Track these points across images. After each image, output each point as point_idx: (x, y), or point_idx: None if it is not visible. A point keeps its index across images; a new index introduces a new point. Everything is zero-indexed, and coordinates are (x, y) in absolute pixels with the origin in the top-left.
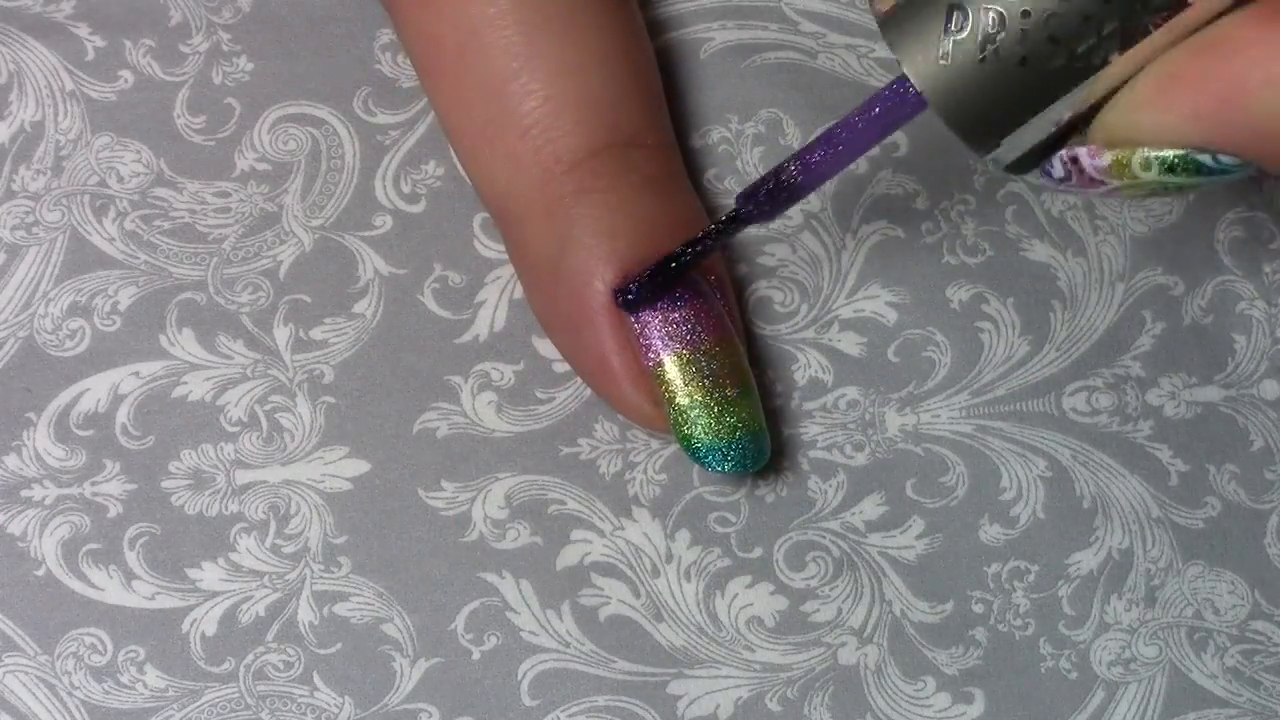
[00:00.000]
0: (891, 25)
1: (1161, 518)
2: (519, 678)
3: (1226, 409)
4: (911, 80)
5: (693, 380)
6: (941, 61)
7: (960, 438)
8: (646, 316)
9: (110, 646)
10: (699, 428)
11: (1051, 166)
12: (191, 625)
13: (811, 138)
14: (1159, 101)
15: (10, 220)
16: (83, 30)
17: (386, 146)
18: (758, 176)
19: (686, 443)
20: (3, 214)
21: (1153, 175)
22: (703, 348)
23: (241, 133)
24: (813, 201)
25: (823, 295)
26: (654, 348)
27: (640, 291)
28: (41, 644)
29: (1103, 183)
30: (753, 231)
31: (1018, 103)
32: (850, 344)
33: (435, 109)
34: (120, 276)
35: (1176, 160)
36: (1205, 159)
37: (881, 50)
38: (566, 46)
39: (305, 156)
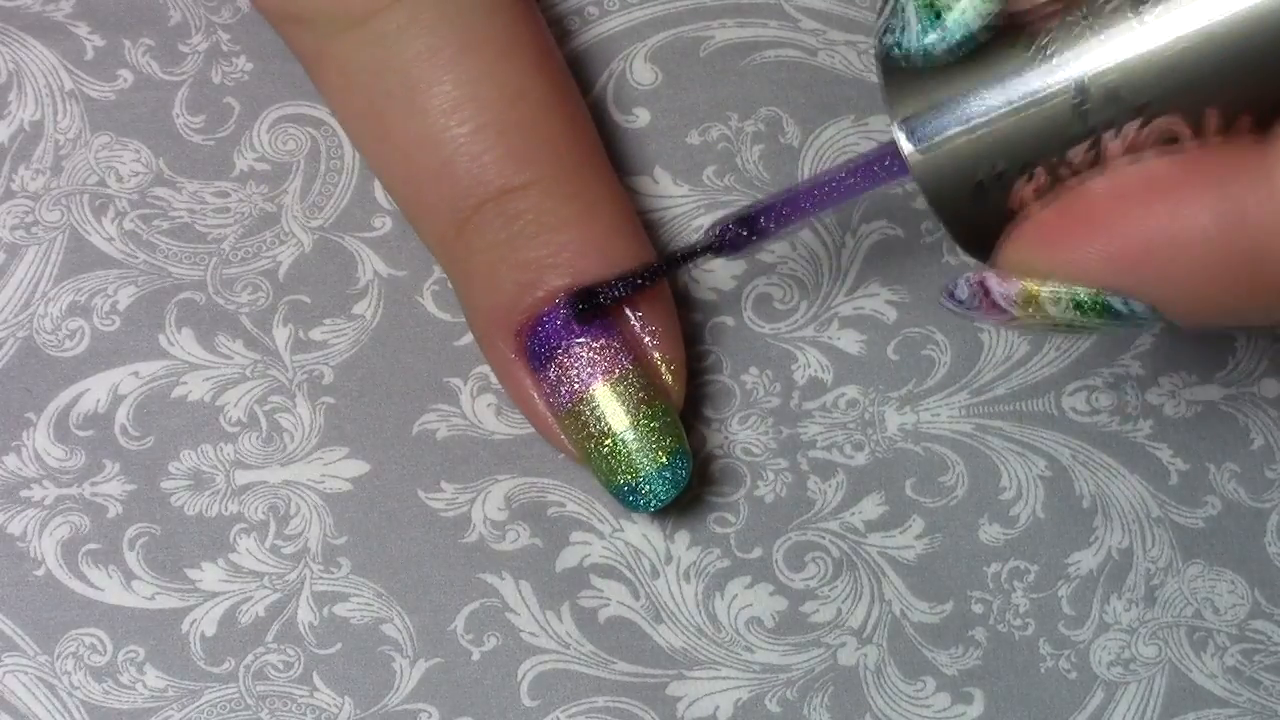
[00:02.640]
0: (898, 104)
1: (1161, 517)
2: (519, 678)
3: (1227, 407)
4: (908, 164)
5: (620, 407)
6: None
7: (960, 437)
8: (553, 358)
9: (110, 646)
10: (635, 455)
11: (956, 288)
12: (191, 625)
13: (788, 188)
14: (1078, 236)
15: (10, 220)
16: (82, 30)
17: None
18: (757, 175)
19: (609, 483)
20: (2, 214)
21: (1059, 311)
22: (613, 379)
23: (241, 132)
24: None
25: (822, 293)
26: (567, 388)
27: (586, 310)
28: (41, 644)
29: (1007, 312)
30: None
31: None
32: (850, 342)
33: None
34: (119, 276)
35: (1087, 299)
36: (1116, 302)
37: None
38: (413, 117)
39: (304, 157)
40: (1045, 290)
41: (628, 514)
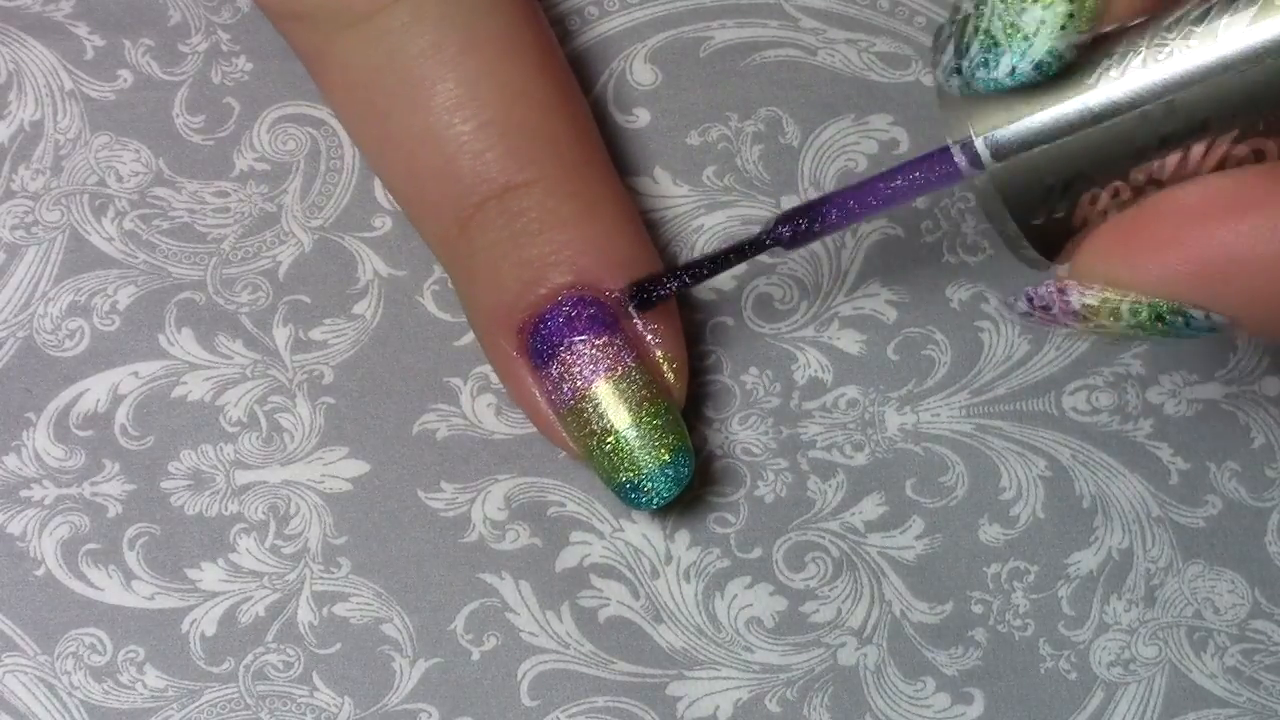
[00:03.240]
0: (976, 112)
1: (1161, 517)
2: (518, 678)
3: (1228, 406)
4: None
5: (605, 414)
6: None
7: (960, 437)
8: (555, 356)
9: (110, 646)
10: (638, 452)
11: (1034, 295)
12: (191, 625)
13: (851, 183)
14: (1165, 249)
15: (9, 220)
16: (82, 30)
17: None
18: (757, 175)
19: (610, 481)
20: (2, 213)
21: (1139, 321)
22: (615, 377)
23: (241, 132)
24: None
25: (823, 293)
26: (569, 386)
27: (650, 299)
28: (41, 644)
29: (1081, 318)
30: (753, 228)
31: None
32: (850, 342)
33: None
34: (119, 276)
35: (1168, 312)
36: (1197, 316)
37: (881, 45)
38: (415, 114)
39: (304, 156)
40: (1126, 302)
41: (628, 514)
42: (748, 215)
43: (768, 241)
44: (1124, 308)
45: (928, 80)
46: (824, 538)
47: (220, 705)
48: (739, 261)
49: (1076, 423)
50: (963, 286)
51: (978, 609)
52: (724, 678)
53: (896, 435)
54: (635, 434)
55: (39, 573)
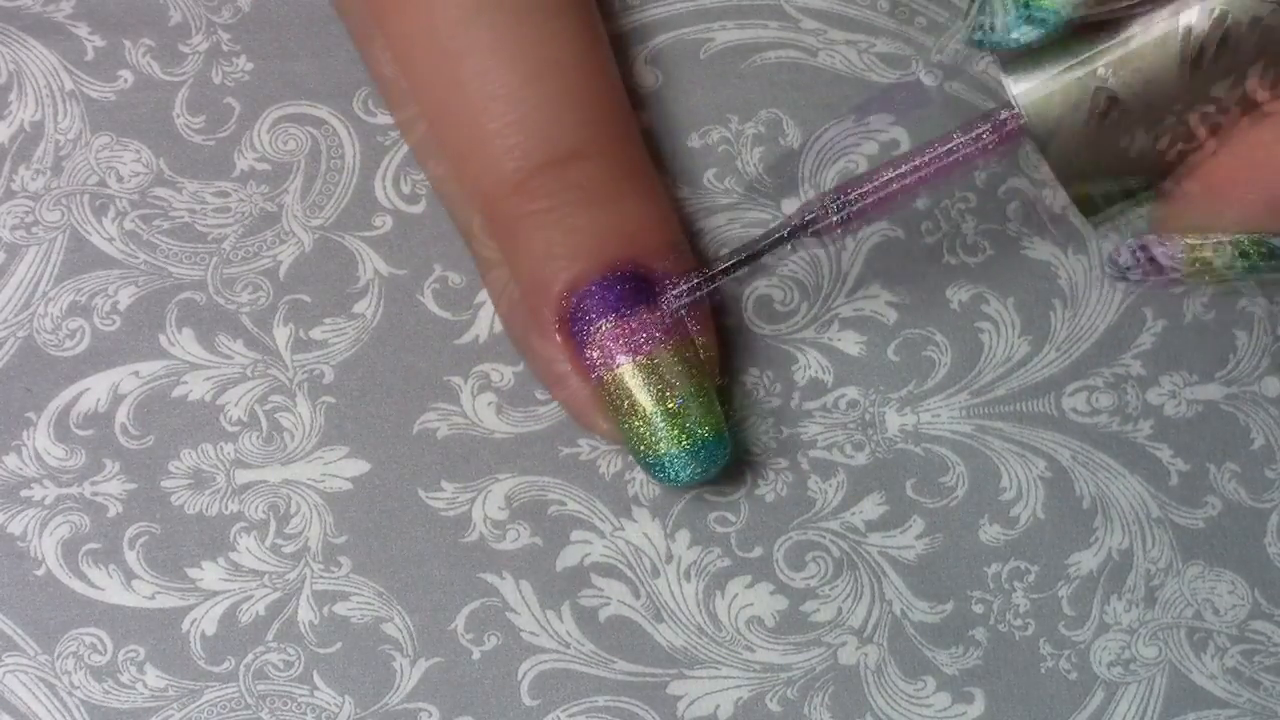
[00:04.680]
0: (1012, 65)
1: (1161, 518)
2: (519, 678)
3: (1228, 407)
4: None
5: (648, 388)
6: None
7: (960, 438)
8: (598, 328)
9: (110, 646)
10: (658, 436)
11: (1120, 255)
12: (191, 625)
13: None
14: (1240, 184)
15: (10, 220)
16: (82, 30)
17: (386, 147)
18: (758, 177)
19: (645, 455)
20: (2, 214)
21: (1225, 261)
22: (658, 354)
23: (241, 132)
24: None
25: (823, 294)
26: (609, 358)
27: (699, 287)
28: (41, 644)
29: (1173, 273)
30: (753, 230)
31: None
32: (850, 343)
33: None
34: (120, 276)
35: (1250, 246)
36: (1279, 243)
37: (882, 45)
38: (493, 72)
39: (305, 156)
40: (1209, 244)
41: (629, 513)
42: (748, 218)
43: (797, 229)
44: (1208, 250)
45: (928, 80)
46: (824, 537)
47: (221, 705)
48: (785, 243)
49: (1077, 424)
50: (963, 287)
51: (978, 609)
52: (725, 677)
53: (897, 436)
54: (672, 410)
55: (39, 572)
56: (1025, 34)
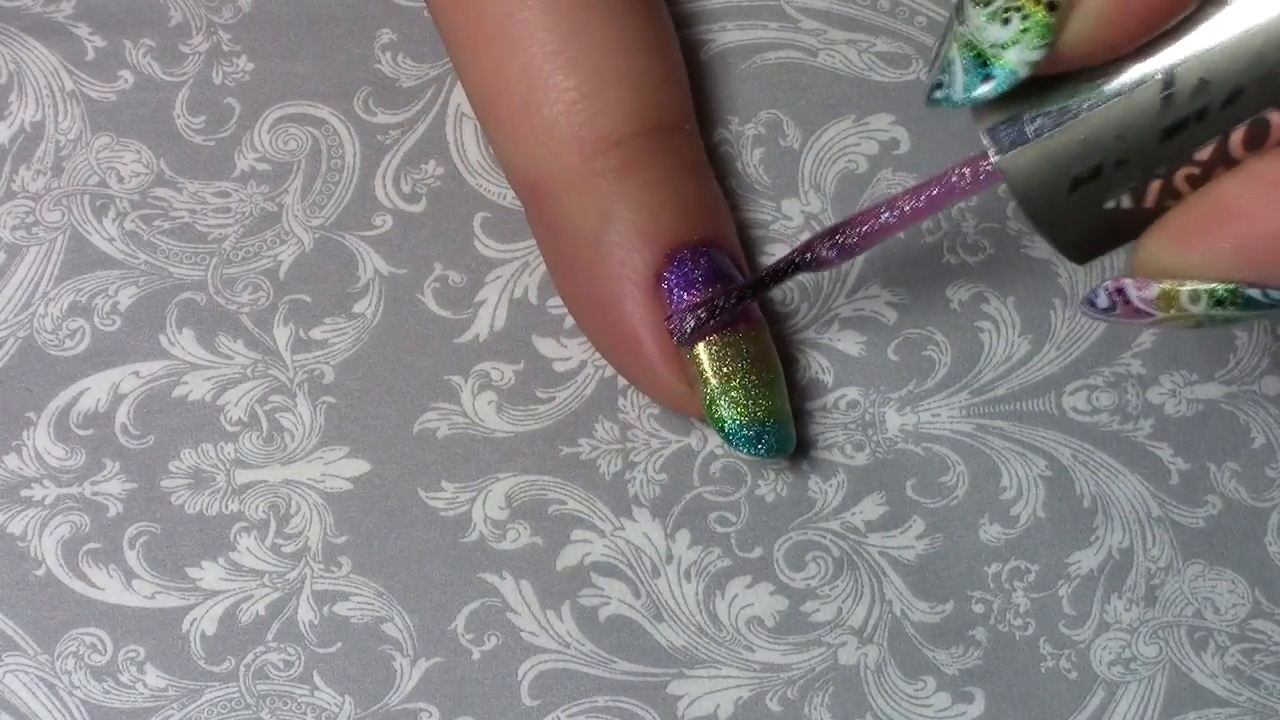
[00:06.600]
0: (982, 115)
1: (1162, 517)
2: (519, 678)
3: (1228, 406)
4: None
5: (727, 363)
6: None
7: (960, 437)
8: (683, 299)
9: (110, 646)
10: (732, 410)
11: (1096, 297)
12: (191, 625)
13: (874, 203)
14: (1209, 233)
15: (10, 220)
16: (83, 30)
17: (387, 146)
18: (758, 178)
19: (720, 424)
20: (3, 214)
21: (1201, 308)
22: (738, 332)
23: (241, 133)
24: (813, 202)
25: (823, 294)
26: (710, 326)
27: (694, 331)
28: (41, 644)
29: (1149, 314)
30: (754, 231)
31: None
32: (850, 343)
33: (469, 87)
34: (120, 276)
35: (1225, 294)
36: (1255, 294)
37: (882, 45)
38: (611, 24)
39: (305, 156)
40: (1184, 290)
41: (629, 512)
42: (749, 219)
43: (791, 268)
44: (1183, 295)
45: (928, 79)
46: (825, 537)
47: (221, 704)
48: (777, 284)
49: (1077, 423)
50: (963, 287)
51: (978, 608)
52: (725, 677)
53: (897, 435)
54: (751, 383)
55: (39, 572)
56: (983, 93)
